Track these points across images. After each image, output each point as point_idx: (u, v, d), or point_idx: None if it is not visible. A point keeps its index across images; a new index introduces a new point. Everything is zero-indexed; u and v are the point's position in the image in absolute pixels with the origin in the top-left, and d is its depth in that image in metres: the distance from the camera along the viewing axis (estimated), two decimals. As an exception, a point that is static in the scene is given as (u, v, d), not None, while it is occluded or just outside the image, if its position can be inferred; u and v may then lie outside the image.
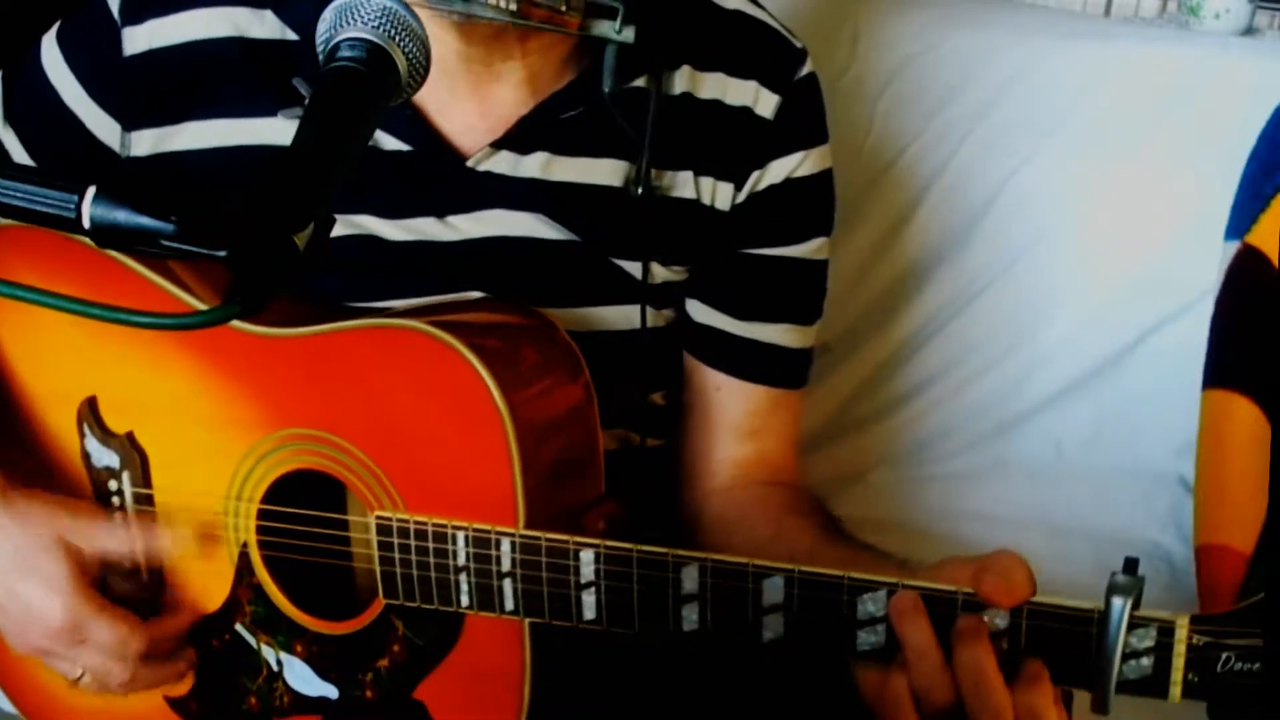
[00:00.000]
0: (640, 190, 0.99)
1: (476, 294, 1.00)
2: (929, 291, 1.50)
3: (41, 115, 1.04)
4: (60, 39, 1.03)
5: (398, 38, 0.71)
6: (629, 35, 0.90)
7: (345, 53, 0.71)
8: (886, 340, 1.51)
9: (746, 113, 1.03)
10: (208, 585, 1.00)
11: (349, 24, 0.71)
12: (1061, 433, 1.49)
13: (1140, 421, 1.46)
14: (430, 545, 0.90)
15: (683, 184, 1.03)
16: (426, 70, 0.74)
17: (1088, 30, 1.54)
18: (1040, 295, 1.48)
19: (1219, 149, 1.37)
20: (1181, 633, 0.76)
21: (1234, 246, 1.34)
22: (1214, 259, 1.36)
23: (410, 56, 0.72)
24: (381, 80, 0.71)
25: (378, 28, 0.71)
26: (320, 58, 0.72)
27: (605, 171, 1.01)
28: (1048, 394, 1.49)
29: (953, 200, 1.48)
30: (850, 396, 1.52)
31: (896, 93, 1.47)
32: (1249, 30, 1.54)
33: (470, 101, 0.99)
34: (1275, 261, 1.30)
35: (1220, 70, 1.42)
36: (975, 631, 0.79)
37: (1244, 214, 1.34)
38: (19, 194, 0.63)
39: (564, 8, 0.88)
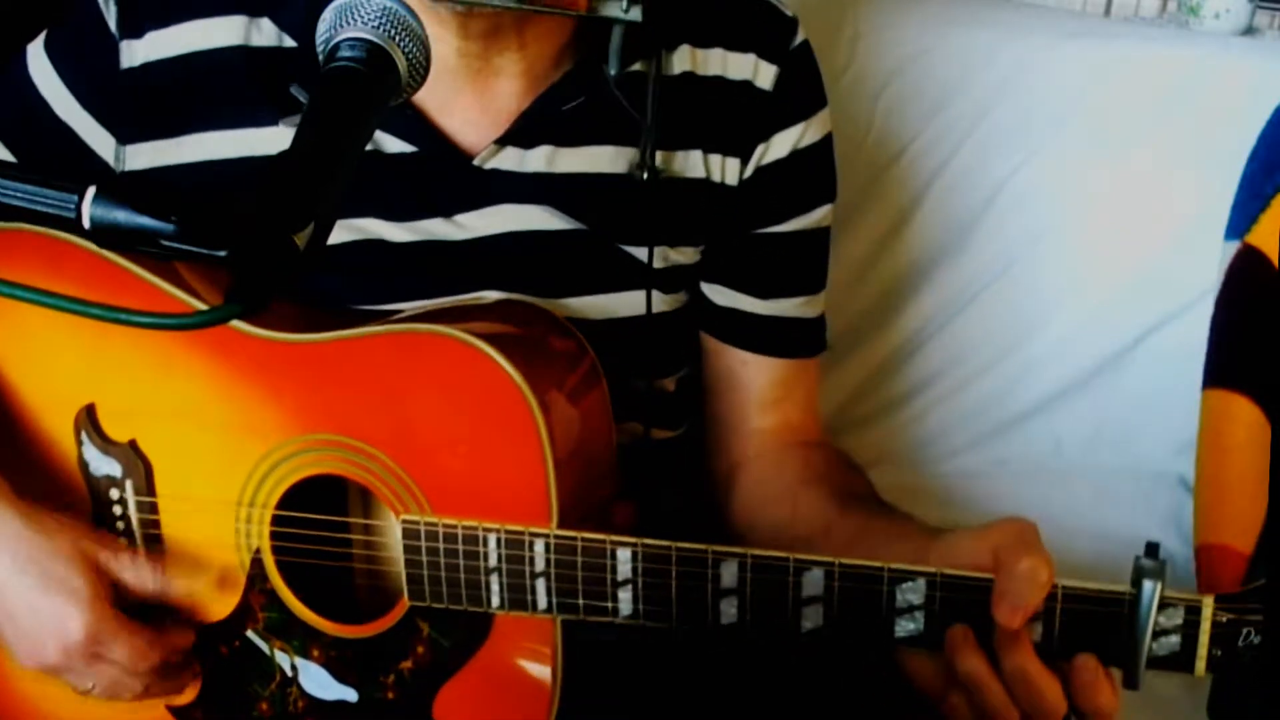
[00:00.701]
0: (646, 175, 0.99)
1: (491, 294, 1.00)
2: (929, 291, 1.50)
3: (32, 128, 1.02)
4: (50, 50, 1.02)
5: (398, 38, 0.71)
6: (636, 14, 0.90)
7: (345, 53, 0.70)
8: (886, 340, 1.51)
9: (747, 86, 1.03)
10: (216, 592, 0.99)
11: (349, 24, 0.71)
12: (1061, 432, 1.49)
13: (1140, 421, 1.46)
14: (460, 548, 0.90)
15: (692, 164, 1.03)
16: (426, 70, 0.74)
17: (1088, 30, 1.54)
18: (1040, 295, 1.48)
19: (1219, 149, 1.37)
20: (1207, 611, 0.81)
21: (1234, 246, 1.34)
22: (1214, 259, 1.36)
23: (410, 56, 0.72)
24: (381, 80, 0.71)
25: (378, 28, 0.71)
26: (320, 58, 0.72)
27: (610, 159, 1.01)
28: (1048, 394, 1.49)
29: (953, 200, 1.48)
30: (850, 396, 1.52)
31: (896, 92, 1.47)
32: (1249, 30, 1.54)
33: (471, 98, 0.99)
34: (1275, 261, 1.30)
35: (1220, 70, 1.42)
36: (1014, 640, 0.81)
37: (1244, 214, 1.34)
38: (19, 194, 0.63)
39: None
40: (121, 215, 0.62)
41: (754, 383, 1.12)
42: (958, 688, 0.84)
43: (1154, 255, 1.43)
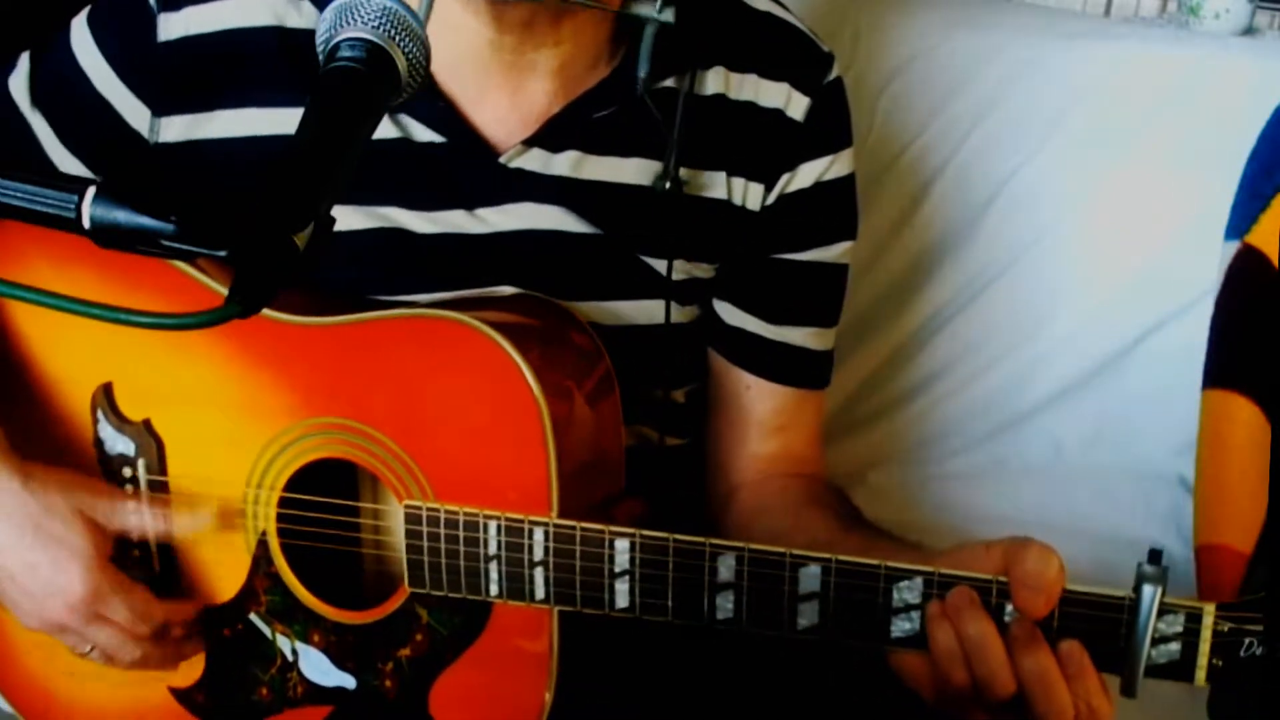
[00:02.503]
0: (668, 187, 1.00)
1: (506, 289, 1.00)
2: (929, 291, 1.50)
3: (71, 99, 1.03)
4: (92, 23, 1.03)
5: (397, 38, 0.71)
6: (669, 15, 0.89)
7: (345, 53, 0.71)
8: (887, 340, 1.52)
9: (778, 114, 1.04)
10: (222, 574, 1.00)
11: (349, 24, 0.71)
12: (1062, 433, 1.49)
13: (1140, 421, 1.46)
14: (461, 534, 0.91)
15: (715, 184, 1.04)
16: (426, 70, 0.74)
17: (1088, 30, 1.54)
18: (1040, 295, 1.48)
19: (1219, 149, 1.37)
20: (1209, 619, 0.79)
21: (1234, 246, 1.34)
22: (1214, 259, 1.36)
23: (410, 56, 0.72)
24: (381, 80, 0.71)
25: (377, 28, 0.71)
26: (320, 58, 0.72)
27: (635, 170, 1.02)
28: (1048, 393, 1.49)
29: (953, 200, 1.48)
30: (851, 396, 1.52)
31: (897, 93, 1.47)
32: (1249, 30, 1.54)
33: (503, 93, 0.99)
34: (1275, 261, 1.30)
35: (1220, 70, 1.42)
36: (1033, 638, 0.81)
37: (1244, 214, 1.34)
38: (19, 194, 0.63)
39: None
40: (121, 215, 0.62)
41: (755, 407, 1.12)
42: (955, 662, 0.83)
43: (1154, 255, 1.43)
